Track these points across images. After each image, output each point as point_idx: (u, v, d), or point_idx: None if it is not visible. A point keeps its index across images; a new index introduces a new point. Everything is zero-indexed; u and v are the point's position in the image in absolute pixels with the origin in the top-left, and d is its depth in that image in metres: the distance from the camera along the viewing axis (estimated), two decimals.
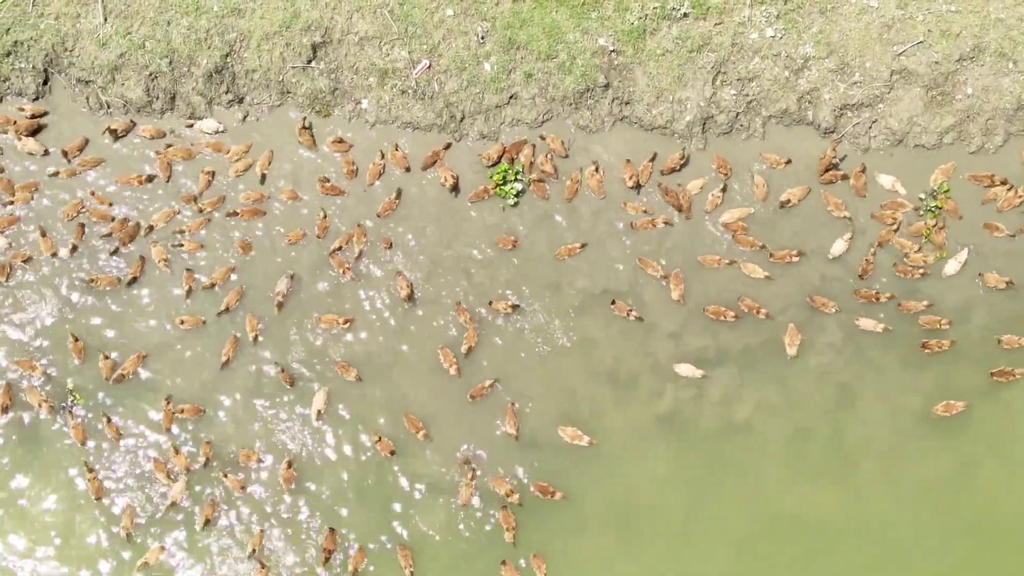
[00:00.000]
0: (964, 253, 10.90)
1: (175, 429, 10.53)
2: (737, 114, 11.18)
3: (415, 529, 10.42)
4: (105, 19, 11.04)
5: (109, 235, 10.89)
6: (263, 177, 11.08)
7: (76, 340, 10.56)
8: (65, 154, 10.97)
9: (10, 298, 10.75)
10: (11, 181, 10.96)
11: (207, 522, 10.33)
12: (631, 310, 10.76)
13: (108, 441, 10.50)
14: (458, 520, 10.45)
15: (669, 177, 11.15)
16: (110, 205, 10.97)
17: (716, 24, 11.03)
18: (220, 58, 11.05)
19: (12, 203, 10.92)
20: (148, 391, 10.60)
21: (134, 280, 10.79)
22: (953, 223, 11.05)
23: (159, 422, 10.53)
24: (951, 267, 10.90)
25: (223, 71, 11.12)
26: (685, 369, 10.67)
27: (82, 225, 10.87)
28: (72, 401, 10.55)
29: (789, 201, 11.03)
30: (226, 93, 11.20)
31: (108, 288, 10.75)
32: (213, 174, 11.05)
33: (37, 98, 11.22)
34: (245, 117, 11.26)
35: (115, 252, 10.87)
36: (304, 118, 11.16)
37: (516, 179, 11.08)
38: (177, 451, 10.43)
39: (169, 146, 11.09)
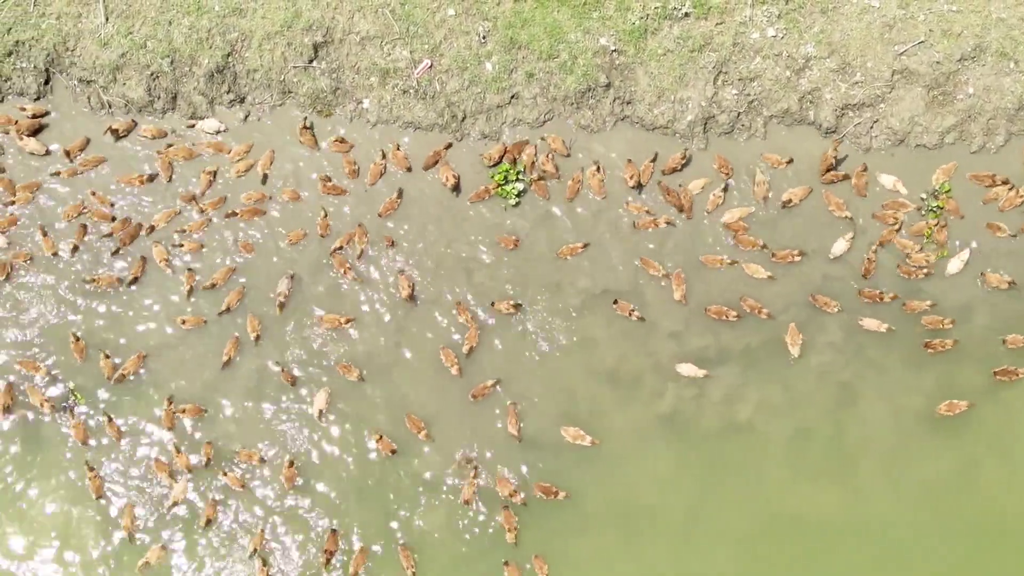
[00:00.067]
0: (966, 252, 10.90)
1: (177, 429, 10.52)
2: (738, 114, 11.18)
3: (417, 529, 10.41)
4: (106, 19, 11.05)
5: (110, 235, 10.90)
6: (265, 177, 11.08)
7: (77, 339, 10.56)
8: (68, 154, 10.97)
9: (11, 298, 10.75)
10: (12, 181, 10.96)
11: (208, 522, 10.32)
12: (633, 310, 10.76)
13: (109, 441, 10.49)
14: (460, 520, 10.44)
15: (670, 177, 11.15)
16: (111, 205, 10.97)
17: (717, 24, 11.03)
18: (221, 58, 11.05)
19: (13, 203, 10.92)
20: (149, 391, 10.59)
21: (135, 280, 10.79)
22: (955, 223, 11.04)
23: (160, 422, 10.52)
24: (954, 266, 10.90)
25: (224, 71, 11.12)
26: (687, 369, 10.66)
27: (84, 225, 10.87)
28: (73, 400, 10.54)
29: (791, 201, 11.03)
30: (227, 93, 11.21)
31: (109, 288, 10.75)
32: (215, 174, 11.06)
33: (38, 98, 11.22)
34: (247, 117, 11.26)
35: (116, 252, 10.86)
36: (304, 118, 11.17)
37: (518, 179, 11.08)
38: (179, 451, 10.42)
39: (170, 146, 11.10)
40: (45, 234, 10.81)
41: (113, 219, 10.93)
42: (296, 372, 10.68)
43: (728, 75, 11.10)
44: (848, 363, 10.79)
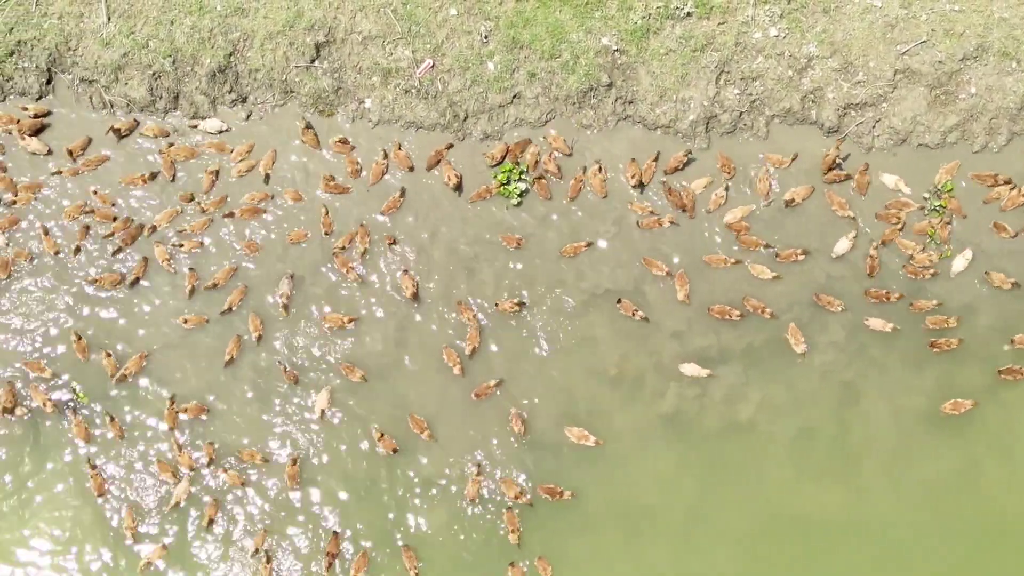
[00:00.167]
0: (969, 251, 10.89)
1: (178, 428, 10.51)
2: (741, 113, 11.18)
3: (420, 530, 10.40)
4: (108, 18, 11.05)
5: (111, 235, 10.89)
6: (267, 177, 11.08)
7: (79, 339, 10.55)
8: (71, 153, 10.97)
9: (13, 297, 10.75)
10: (14, 180, 10.96)
11: (210, 522, 10.31)
12: (637, 310, 10.75)
13: (111, 439, 10.49)
14: (463, 521, 10.43)
15: (673, 176, 11.15)
16: (113, 205, 10.97)
17: (720, 23, 11.03)
18: (223, 57, 11.05)
19: (15, 202, 10.91)
20: (151, 390, 10.59)
21: (137, 280, 10.78)
22: (957, 222, 11.04)
23: (163, 421, 10.52)
24: (958, 264, 10.89)
25: (226, 70, 11.12)
26: (691, 369, 10.65)
27: (86, 225, 10.86)
28: (75, 400, 10.54)
29: (793, 200, 11.02)
30: (229, 92, 11.20)
31: (111, 287, 10.75)
32: (217, 174, 11.05)
33: (40, 97, 11.22)
34: (249, 116, 11.26)
35: (118, 252, 10.86)
36: (303, 118, 11.15)
37: (520, 179, 11.08)
38: (181, 450, 10.42)
39: (171, 145, 11.09)
40: (47, 233, 10.80)
41: (115, 219, 10.93)
42: (298, 371, 10.67)
43: (730, 74, 11.10)
44: (850, 362, 10.79)
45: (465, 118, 11.21)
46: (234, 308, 10.73)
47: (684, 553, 10.44)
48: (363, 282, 10.89)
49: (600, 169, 11.03)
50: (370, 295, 10.88)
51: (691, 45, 11.02)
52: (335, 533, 10.29)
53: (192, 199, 10.99)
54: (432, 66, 11.09)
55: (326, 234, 10.94)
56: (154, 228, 10.93)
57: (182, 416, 10.49)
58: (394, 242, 10.95)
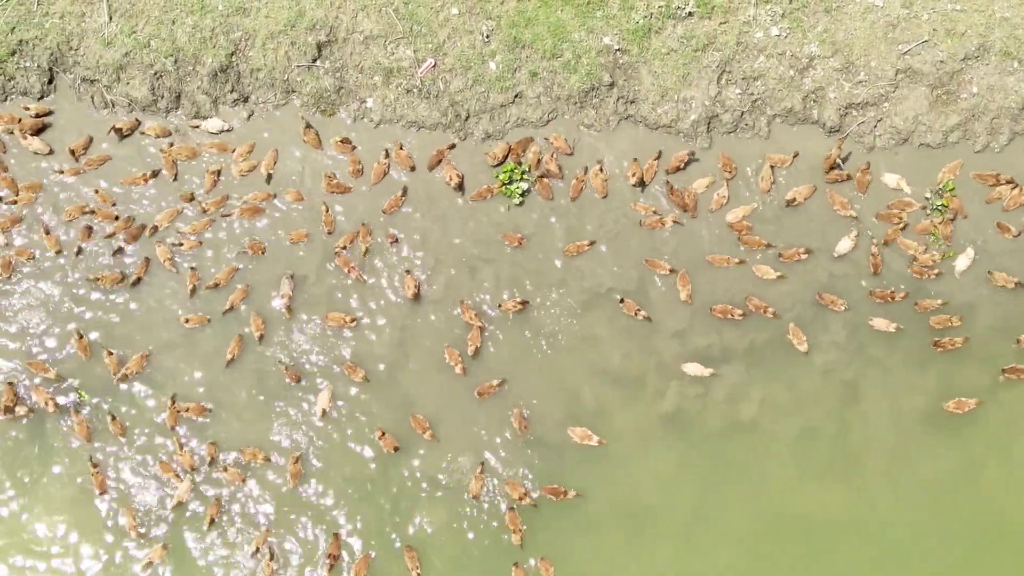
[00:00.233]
0: (971, 250, 10.89)
1: (180, 428, 10.50)
2: (742, 113, 11.18)
3: (421, 530, 10.39)
4: (110, 18, 11.05)
5: (113, 235, 10.88)
6: (268, 177, 11.08)
7: (81, 337, 10.54)
8: (73, 152, 10.96)
9: (14, 296, 10.74)
10: (15, 180, 10.95)
11: (212, 521, 10.30)
12: (639, 309, 10.75)
13: (113, 439, 10.47)
14: (465, 521, 10.42)
15: (674, 176, 11.15)
16: (114, 204, 10.97)
17: (721, 23, 11.03)
18: (225, 57, 11.05)
19: (16, 202, 10.91)
20: (153, 389, 10.58)
21: (138, 280, 10.78)
22: (959, 221, 11.04)
23: (164, 420, 10.50)
24: (961, 263, 10.89)
25: (228, 70, 11.12)
26: (693, 368, 10.65)
27: (88, 226, 10.85)
28: (77, 399, 10.53)
29: (795, 200, 11.02)
30: (231, 92, 11.20)
31: (113, 286, 10.74)
32: (218, 173, 11.05)
33: (42, 97, 11.22)
34: (250, 116, 11.26)
35: (119, 251, 10.85)
36: (302, 118, 11.15)
37: (522, 178, 11.08)
38: (182, 449, 10.40)
39: (172, 144, 11.09)
40: (48, 232, 10.80)
41: (116, 218, 10.92)
42: (300, 371, 10.66)
43: (732, 74, 11.10)
44: (852, 362, 10.79)
45: (467, 118, 11.21)
46: (235, 307, 10.72)
47: (686, 552, 10.43)
48: (364, 282, 10.89)
49: (602, 169, 11.04)
50: (372, 295, 10.88)
51: (693, 45, 11.02)
52: (336, 535, 10.26)
53: (192, 198, 10.98)
54: (434, 65, 11.09)
55: (328, 234, 10.95)
56: (156, 228, 10.92)
57: (184, 415, 10.47)
58: (396, 241, 10.95)
